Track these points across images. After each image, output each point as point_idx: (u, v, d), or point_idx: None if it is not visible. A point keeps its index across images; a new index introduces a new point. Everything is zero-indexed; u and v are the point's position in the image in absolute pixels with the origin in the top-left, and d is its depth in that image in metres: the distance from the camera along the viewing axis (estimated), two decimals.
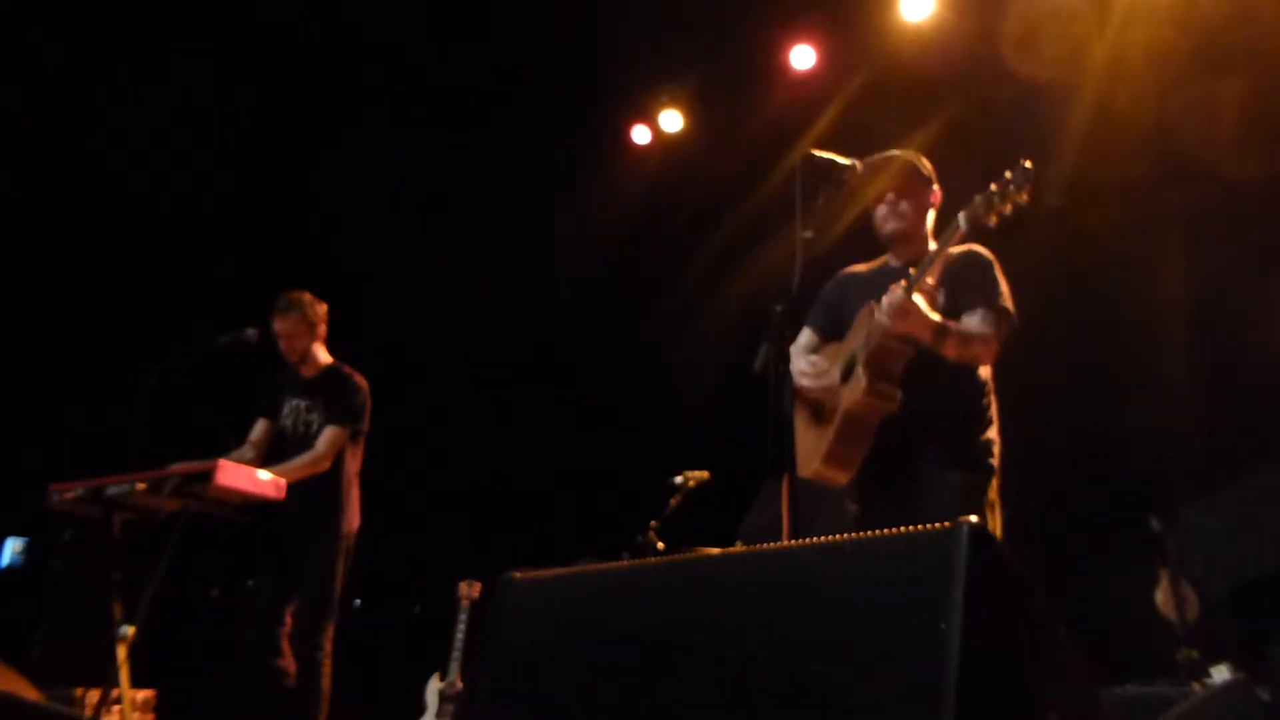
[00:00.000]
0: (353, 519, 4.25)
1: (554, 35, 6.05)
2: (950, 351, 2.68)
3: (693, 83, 6.47)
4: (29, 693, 3.51)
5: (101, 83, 6.08)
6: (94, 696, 3.82)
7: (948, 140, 5.06)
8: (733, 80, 6.31)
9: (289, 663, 4.02)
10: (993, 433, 2.84)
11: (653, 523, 4.79)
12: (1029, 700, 1.32)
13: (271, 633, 4.00)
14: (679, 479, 4.81)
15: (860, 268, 3.13)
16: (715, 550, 3.86)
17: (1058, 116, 5.24)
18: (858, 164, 2.80)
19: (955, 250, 2.82)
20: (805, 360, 2.92)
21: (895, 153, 2.98)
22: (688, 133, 6.59)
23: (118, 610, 3.35)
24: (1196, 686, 3.71)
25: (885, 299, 2.62)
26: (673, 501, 4.81)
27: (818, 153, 2.78)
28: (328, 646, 4.02)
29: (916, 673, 1.25)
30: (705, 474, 4.83)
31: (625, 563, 2.38)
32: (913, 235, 2.97)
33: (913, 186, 2.97)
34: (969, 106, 5.38)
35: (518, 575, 1.93)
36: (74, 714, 3.56)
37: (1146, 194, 5.19)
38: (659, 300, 6.92)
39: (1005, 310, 2.80)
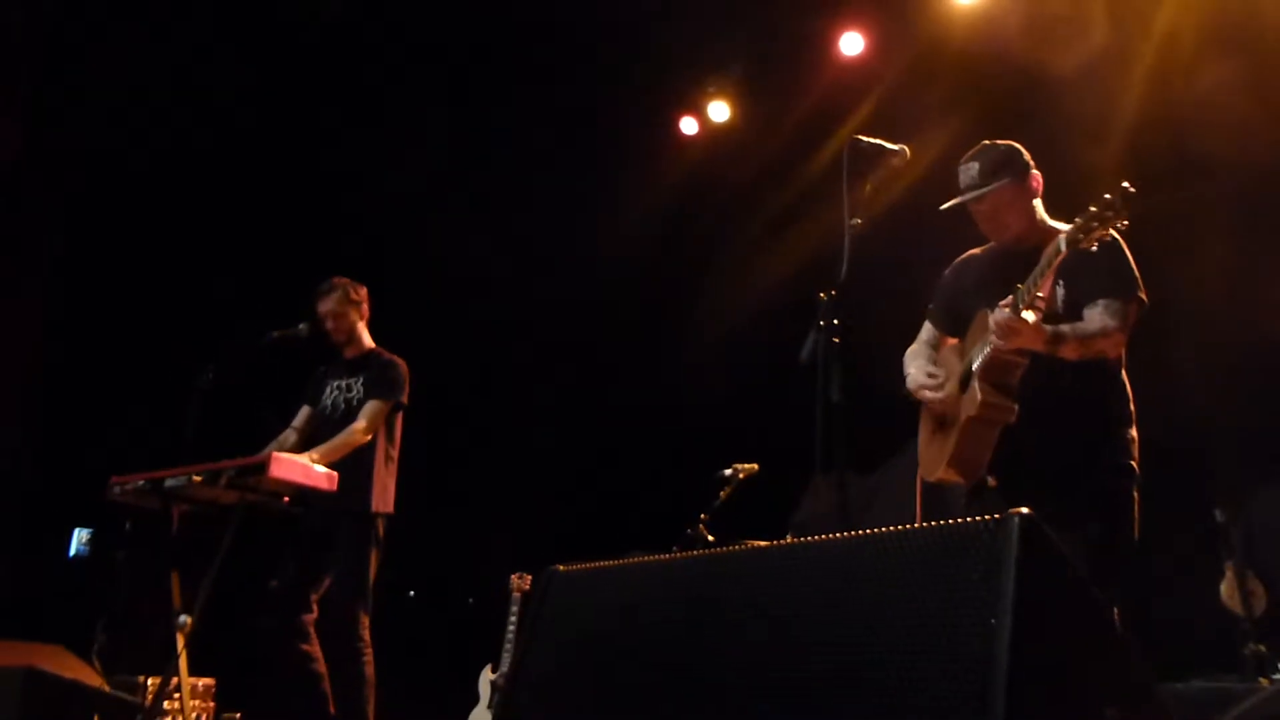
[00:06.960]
0: (384, 500, 4.12)
1: (602, 27, 6.04)
2: (1070, 354, 2.58)
3: (740, 73, 6.42)
4: (93, 679, 3.63)
5: (165, 93, 6.21)
6: (156, 683, 3.92)
7: (997, 125, 4.95)
8: (780, 69, 6.25)
9: (315, 649, 3.94)
10: (1131, 430, 2.71)
11: (702, 515, 4.77)
12: (1083, 696, 1.29)
13: (294, 618, 3.94)
14: (728, 471, 4.79)
15: (977, 251, 3.00)
16: (763, 543, 3.83)
17: (1110, 100, 5.10)
18: (906, 149, 2.73)
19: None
20: (924, 372, 2.89)
21: (985, 144, 2.82)
22: (735, 123, 6.54)
23: (177, 599, 3.44)
24: (1264, 682, 3.61)
25: (993, 318, 2.52)
26: (722, 494, 4.79)
27: (865, 138, 2.74)
28: (366, 634, 3.95)
29: (966, 667, 1.23)
30: (755, 466, 4.81)
31: (668, 556, 2.38)
32: (1026, 234, 2.79)
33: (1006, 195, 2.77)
34: (1019, 91, 5.25)
35: (562, 568, 1.94)
36: (135, 700, 3.65)
37: (1203, 177, 5.02)
38: (707, 289, 6.88)
39: (1131, 296, 2.64)
